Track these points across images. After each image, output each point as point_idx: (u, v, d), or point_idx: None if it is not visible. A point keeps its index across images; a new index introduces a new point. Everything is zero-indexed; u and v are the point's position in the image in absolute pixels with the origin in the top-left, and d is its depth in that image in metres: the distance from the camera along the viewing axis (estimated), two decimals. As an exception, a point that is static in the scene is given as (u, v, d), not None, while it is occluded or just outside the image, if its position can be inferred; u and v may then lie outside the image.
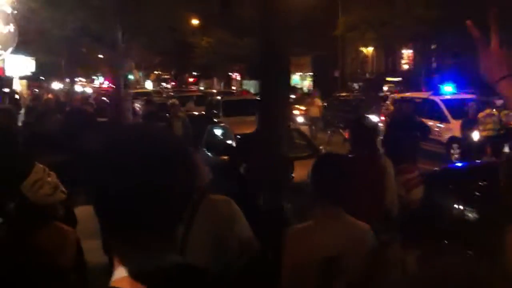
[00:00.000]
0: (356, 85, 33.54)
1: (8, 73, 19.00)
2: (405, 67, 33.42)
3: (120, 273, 1.10)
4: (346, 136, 17.04)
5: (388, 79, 30.03)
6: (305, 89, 35.58)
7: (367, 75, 35.73)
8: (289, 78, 5.05)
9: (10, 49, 8.77)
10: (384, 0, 25.12)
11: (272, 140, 4.70)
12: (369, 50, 35.76)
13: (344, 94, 26.12)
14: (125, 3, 12.87)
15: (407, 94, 17.66)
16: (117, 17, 12.91)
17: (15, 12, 8.83)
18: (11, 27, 8.41)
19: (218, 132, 12.11)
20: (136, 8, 13.50)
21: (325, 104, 21.89)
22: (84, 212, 3.11)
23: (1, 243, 2.82)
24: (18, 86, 27.41)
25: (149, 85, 53.17)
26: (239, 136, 9.77)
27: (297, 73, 39.28)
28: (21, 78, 27.27)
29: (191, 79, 56.94)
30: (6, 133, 7.03)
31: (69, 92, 29.34)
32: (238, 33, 32.23)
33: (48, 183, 2.88)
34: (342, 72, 35.34)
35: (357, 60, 37.84)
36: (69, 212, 3.31)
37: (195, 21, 36.82)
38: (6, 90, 15.27)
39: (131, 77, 26.61)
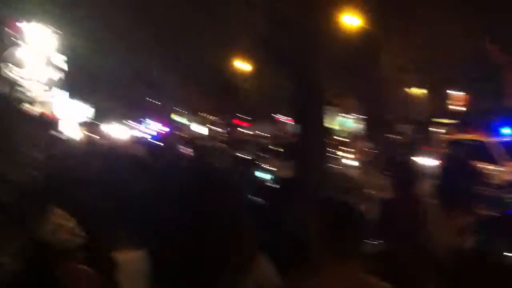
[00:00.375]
0: (405, 127, 32.91)
1: (63, 118, 19.62)
2: (457, 108, 32.65)
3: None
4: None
5: (439, 120, 29.38)
6: (357, 132, 35.18)
7: (417, 117, 35.08)
8: (322, 120, 4.95)
9: (57, 94, 9.00)
10: (433, 41, 24.83)
11: (308, 183, 4.58)
12: (418, 91, 35.18)
13: (393, 136, 25.70)
14: (176, 51, 13.18)
15: (461, 136, 17.14)
16: (168, 62, 13.22)
17: (65, 58, 9.11)
18: (60, 72, 8.65)
19: (264, 175, 12.09)
20: (187, 53, 13.81)
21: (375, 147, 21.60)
22: (125, 256, 3.11)
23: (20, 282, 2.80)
24: (73, 129, 28.35)
25: (202, 130, 53.90)
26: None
27: (348, 116, 39.00)
28: (80, 123, 28.29)
29: (244, 124, 57.30)
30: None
31: (123, 136, 30.11)
32: (285, 76, 32.34)
33: (66, 228, 2.88)
34: (390, 115, 34.80)
35: (406, 101, 37.24)
36: (106, 255, 3.28)
37: (238, 63, 37.26)
38: (54, 132, 15.75)
39: (183, 120, 27.12)
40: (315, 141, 4.56)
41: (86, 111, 25.56)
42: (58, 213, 2.88)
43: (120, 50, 13.25)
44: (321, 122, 4.89)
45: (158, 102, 19.84)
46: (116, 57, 13.20)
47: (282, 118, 49.15)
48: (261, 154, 17.71)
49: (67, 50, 9.61)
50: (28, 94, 7.50)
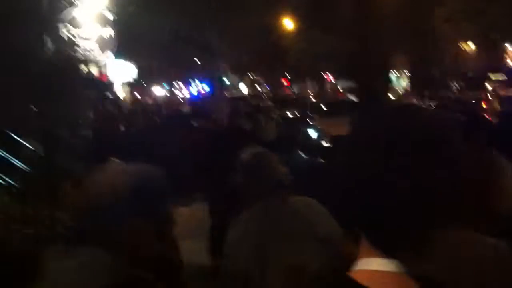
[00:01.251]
0: (456, 84, 31.98)
1: (111, 78, 19.86)
2: (510, 63, 31.45)
3: (363, 265, 1.02)
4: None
5: (492, 76, 28.35)
6: (402, 90, 34.47)
7: (468, 73, 34.00)
8: (387, 77, 4.76)
9: (109, 53, 9.06)
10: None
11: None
12: (469, 46, 33.99)
13: (444, 93, 25.03)
14: (220, 6, 13.03)
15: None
16: (212, 19, 13.11)
17: (116, 17, 9.13)
18: (111, 31, 8.69)
19: (313, 134, 11.97)
20: (231, 10, 13.63)
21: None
22: (183, 212, 3.11)
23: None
24: (120, 91, 28.68)
25: (243, 88, 53.84)
26: (334, 138, 9.54)
27: (392, 73, 38.11)
28: (124, 83, 28.52)
29: (284, 82, 57.01)
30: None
31: (168, 96, 30.31)
32: (333, 33, 31.74)
33: None
34: (440, 71, 33.85)
35: (457, 57, 36.08)
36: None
37: (287, 22, 36.75)
38: (108, 95, 15.95)
39: (225, 80, 27.05)
40: (378, 97, 4.40)
41: (132, 72, 25.78)
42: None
43: (168, 8, 13.17)
44: (384, 77, 4.70)
45: (204, 62, 19.82)
46: (163, 16, 13.14)
47: (329, 76, 48.63)
48: (310, 113, 17.52)
49: (116, 8, 9.60)
50: (84, 54, 7.59)
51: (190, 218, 5.98)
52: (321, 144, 10.51)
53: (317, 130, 12.00)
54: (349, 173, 1.04)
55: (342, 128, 8.49)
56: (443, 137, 0.98)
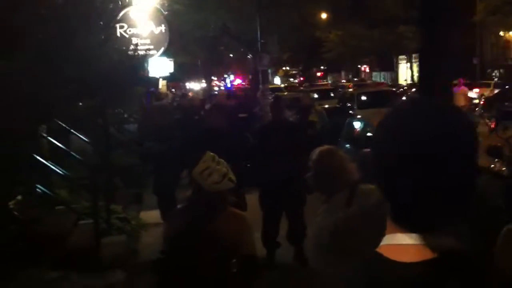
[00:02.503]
0: (496, 72, 31.38)
1: (151, 74, 20.17)
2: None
3: (388, 240, 1.14)
4: (492, 126, 16.10)
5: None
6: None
7: (510, 61, 33.29)
8: (451, 64, 4.77)
9: (162, 49, 9.29)
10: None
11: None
12: (510, 35, 33.29)
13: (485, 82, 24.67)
14: (262, 2, 13.15)
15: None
16: (255, 15, 13.23)
17: (166, 13, 9.34)
18: (163, 28, 8.92)
19: (356, 125, 11.92)
20: (272, 6, 13.73)
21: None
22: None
23: (182, 229, 2.97)
24: (160, 86, 29.07)
25: (277, 81, 53.94)
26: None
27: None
28: (162, 78, 28.86)
29: (318, 74, 56.87)
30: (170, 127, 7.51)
31: (207, 90, 30.58)
32: (368, 25, 31.58)
33: (217, 171, 2.96)
34: (481, 59, 33.27)
35: (498, 46, 35.39)
36: (240, 198, 3.43)
37: (324, 16, 36.68)
38: (153, 89, 16.27)
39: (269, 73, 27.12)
40: (442, 83, 4.44)
41: (169, 67, 26.01)
42: (212, 156, 3.01)
43: (207, 4, 13.37)
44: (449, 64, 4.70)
45: (241, 57, 20.18)
46: (202, 12, 13.34)
47: (364, 67, 48.31)
48: (348, 104, 17.50)
49: (164, 6, 9.77)
50: (141, 52, 7.80)
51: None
52: (366, 134, 10.51)
53: (360, 120, 11.98)
54: (375, 162, 1.15)
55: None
56: (452, 134, 1.08)
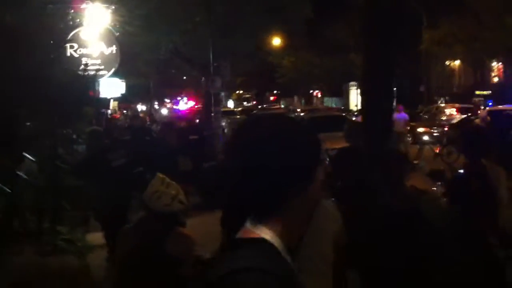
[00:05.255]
0: (442, 100, 32.55)
1: (102, 94, 19.94)
2: (495, 80, 32.07)
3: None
4: (437, 151, 16.68)
5: (477, 92, 28.93)
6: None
7: (455, 89, 34.61)
8: (393, 94, 4.95)
9: (113, 70, 9.26)
10: (471, 13, 24.38)
11: (379, 153, 4.60)
12: (455, 64, 34.67)
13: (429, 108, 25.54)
14: (216, 26, 13.27)
15: (502, 107, 16.90)
16: (208, 40, 13.33)
17: (117, 34, 9.33)
18: (114, 48, 8.90)
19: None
20: (228, 31, 13.86)
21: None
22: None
23: (135, 252, 2.97)
24: (111, 107, 28.74)
25: (230, 104, 54.16)
26: (332, 152, 9.70)
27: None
28: (113, 99, 28.55)
29: (271, 98, 57.47)
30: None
31: (158, 112, 30.37)
32: (321, 53, 32.31)
33: (166, 194, 3.00)
34: (427, 87, 34.44)
35: (443, 74, 36.77)
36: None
37: (277, 41, 37.32)
38: (103, 110, 16.10)
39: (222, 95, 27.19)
40: (384, 108, 4.59)
41: (121, 88, 25.76)
42: (162, 179, 3.05)
43: (159, 27, 13.39)
44: (390, 88, 4.86)
45: (194, 79, 20.19)
46: (153, 34, 13.35)
47: (316, 93, 49.14)
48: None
49: (116, 27, 9.74)
50: (91, 73, 7.76)
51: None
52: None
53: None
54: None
55: (335, 142, 8.57)
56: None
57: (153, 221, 2.99)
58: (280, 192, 1.32)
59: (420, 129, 20.18)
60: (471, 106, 23.25)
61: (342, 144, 7.20)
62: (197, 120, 18.52)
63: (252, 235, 1.31)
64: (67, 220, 8.05)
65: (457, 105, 25.50)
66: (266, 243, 1.31)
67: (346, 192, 5.79)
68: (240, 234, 1.33)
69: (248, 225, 1.34)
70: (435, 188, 6.80)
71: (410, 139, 19.71)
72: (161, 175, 3.09)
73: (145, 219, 3.05)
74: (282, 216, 1.33)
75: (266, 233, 1.32)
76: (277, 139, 1.31)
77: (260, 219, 1.33)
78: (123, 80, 25.88)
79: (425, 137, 18.58)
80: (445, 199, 4.86)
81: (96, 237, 8.00)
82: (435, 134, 19.05)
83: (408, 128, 19.72)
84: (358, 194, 4.35)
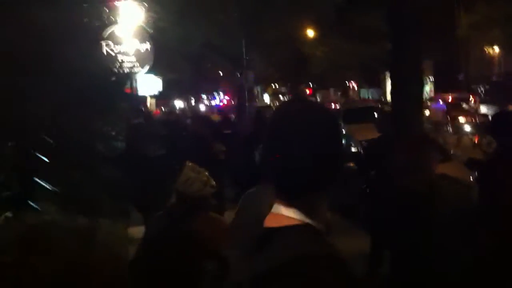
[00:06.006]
0: (482, 88, 31.80)
1: (140, 92, 20.30)
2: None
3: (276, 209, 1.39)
4: (475, 141, 16.38)
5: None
6: (426, 95, 34.36)
7: (494, 77, 33.77)
8: (422, 80, 4.93)
9: (147, 67, 9.43)
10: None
11: (405, 138, 4.61)
12: (495, 50, 33.81)
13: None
14: (248, 17, 13.32)
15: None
16: (241, 31, 13.41)
17: (151, 31, 9.52)
18: (148, 45, 9.07)
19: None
20: (258, 21, 13.91)
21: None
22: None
23: (163, 232, 3.11)
24: (148, 104, 29.19)
25: (266, 99, 54.21)
26: (365, 142, 9.70)
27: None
28: (151, 96, 28.97)
29: (307, 91, 57.25)
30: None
31: (195, 108, 30.65)
32: (355, 41, 31.94)
33: (198, 180, 3.14)
34: (466, 75, 33.72)
35: (482, 61, 35.90)
36: (221, 202, 3.66)
37: (310, 32, 37.07)
38: (141, 107, 16.34)
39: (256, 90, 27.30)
40: (414, 100, 4.59)
41: (158, 85, 26.10)
42: (192, 166, 3.18)
43: (191, 20, 13.53)
44: (420, 79, 4.85)
45: (230, 74, 20.34)
46: (194, 29, 13.49)
47: (352, 84, 48.72)
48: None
49: (149, 23, 9.92)
50: (125, 70, 7.96)
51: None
52: (350, 149, 10.68)
53: (344, 136, 12.17)
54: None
55: (369, 132, 8.61)
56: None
57: (184, 206, 3.11)
58: (320, 178, 1.36)
59: (461, 119, 19.86)
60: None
61: (375, 134, 7.21)
62: (232, 115, 18.69)
63: (291, 221, 1.34)
64: (107, 213, 8.26)
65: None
66: (310, 227, 1.34)
67: (379, 180, 5.80)
68: (274, 221, 1.36)
69: (280, 209, 1.37)
70: (471, 178, 6.74)
71: (450, 128, 19.41)
72: (190, 163, 3.21)
73: (177, 205, 3.18)
74: (315, 202, 1.38)
75: (303, 217, 1.35)
76: (323, 127, 1.38)
77: (294, 202, 1.36)
78: (159, 76, 26.29)
79: (466, 127, 18.27)
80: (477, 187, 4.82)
81: (138, 231, 8.22)
82: (475, 124, 18.73)
83: (449, 117, 19.45)
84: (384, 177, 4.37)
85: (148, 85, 23.99)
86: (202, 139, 6.43)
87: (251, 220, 3.12)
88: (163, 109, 34.32)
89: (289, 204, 1.37)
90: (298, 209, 1.36)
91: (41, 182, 6.61)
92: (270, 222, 1.38)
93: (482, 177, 4.22)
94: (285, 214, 1.36)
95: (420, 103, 4.99)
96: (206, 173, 3.19)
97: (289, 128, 1.38)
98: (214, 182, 3.20)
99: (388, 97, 41.97)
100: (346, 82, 48.32)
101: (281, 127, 1.40)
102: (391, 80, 5.33)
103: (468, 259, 3.02)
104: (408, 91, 4.66)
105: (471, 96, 26.96)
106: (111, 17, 8.34)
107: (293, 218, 1.35)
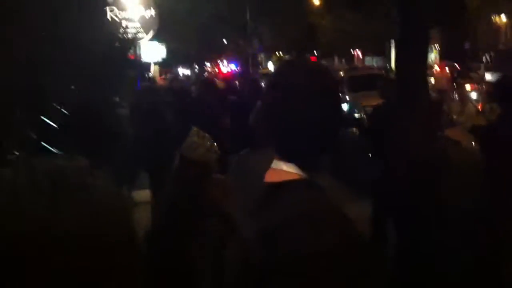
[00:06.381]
0: (488, 57, 31.57)
1: (143, 59, 20.26)
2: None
3: (276, 165, 1.42)
4: (480, 108, 16.35)
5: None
6: (432, 62, 34.14)
7: (501, 46, 33.45)
8: (427, 48, 4.94)
9: (151, 33, 9.42)
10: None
11: (412, 112, 4.62)
12: (502, 20, 33.43)
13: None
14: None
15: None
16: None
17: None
18: (152, 12, 9.05)
19: (344, 106, 12.13)
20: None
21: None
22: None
23: (169, 197, 3.22)
24: (152, 71, 29.14)
25: (271, 66, 53.95)
26: (369, 108, 9.73)
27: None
28: (154, 63, 28.89)
29: (312, 59, 56.84)
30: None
31: (200, 75, 30.57)
32: (361, 9, 31.63)
33: (202, 145, 3.23)
34: (472, 44, 33.44)
35: (489, 30, 35.54)
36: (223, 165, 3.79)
37: (316, 0, 36.68)
38: (146, 74, 16.39)
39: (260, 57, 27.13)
40: (418, 67, 4.60)
41: (161, 52, 25.91)
42: (197, 131, 3.26)
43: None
44: (425, 47, 4.86)
45: (236, 42, 20.15)
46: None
47: (357, 52, 48.37)
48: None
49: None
50: (130, 36, 7.92)
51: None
52: (354, 115, 10.75)
53: (348, 102, 12.23)
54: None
55: (373, 99, 8.65)
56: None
57: (187, 169, 3.21)
58: (320, 139, 1.40)
59: (467, 86, 19.73)
60: None
61: (379, 101, 7.23)
62: (236, 82, 18.65)
63: (292, 176, 1.36)
64: (113, 176, 8.35)
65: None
66: (312, 182, 1.38)
67: (383, 146, 5.86)
68: (275, 176, 1.38)
69: (280, 165, 1.39)
70: (473, 143, 6.81)
71: (456, 96, 19.36)
72: (196, 128, 3.30)
73: (180, 168, 3.27)
74: (315, 163, 1.42)
75: (304, 174, 1.38)
76: (325, 89, 1.41)
77: (294, 162, 1.38)
78: (163, 44, 26.16)
79: (472, 94, 18.21)
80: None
81: (141, 194, 8.35)
82: (480, 92, 18.63)
83: (455, 85, 19.35)
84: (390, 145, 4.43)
85: (152, 52, 23.89)
86: (208, 105, 6.48)
87: (250, 180, 3.25)
88: (166, 76, 34.23)
89: (289, 161, 1.39)
90: (299, 166, 1.38)
91: (49, 147, 6.73)
92: (270, 177, 1.40)
93: (484, 140, 4.29)
94: (285, 169, 1.38)
95: (425, 70, 5.01)
96: (210, 139, 3.26)
97: (291, 88, 1.39)
98: (217, 148, 3.27)
99: (393, 65, 41.71)
100: (351, 50, 47.92)
101: (283, 87, 1.41)
102: (396, 47, 5.35)
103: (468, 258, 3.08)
104: (413, 59, 4.68)
105: (477, 63, 26.80)
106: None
107: (294, 173, 1.37)
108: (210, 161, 3.23)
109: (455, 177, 3.33)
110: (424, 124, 4.07)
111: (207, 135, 3.26)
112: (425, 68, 5.22)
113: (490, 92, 16.65)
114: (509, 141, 3.92)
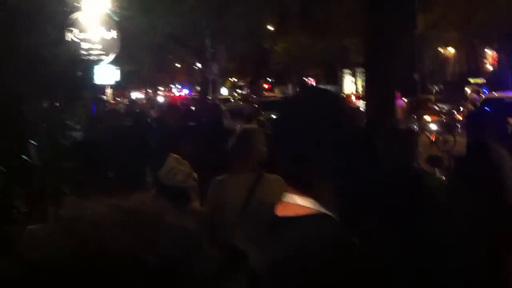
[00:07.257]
0: (436, 87, 32.65)
1: (96, 81, 19.83)
2: (489, 68, 32.18)
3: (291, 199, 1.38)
4: (433, 138, 16.76)
5: (472, 80, 29.02)
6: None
7: (448, 77, 34.70)
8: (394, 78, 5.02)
9: (112, 56, 9.21)
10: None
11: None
12: (449, 51, 34.69)
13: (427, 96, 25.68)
14: (212, 9, 13.25)
15: (497, 95, 16.93)
16: (204, 23, 13.33)
17: (118, 19, 9.29)
18: (114, 34, 8.85)
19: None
20: (221, 12, 13.87)
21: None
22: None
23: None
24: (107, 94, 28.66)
25: (224, 91, 54.02)
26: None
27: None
28: (108, 86, 28.44)
29: (265, 86, 57.33)
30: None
31: (153, 99, 30.31)
32: (314, 36, 32.13)
33: (181, 171, 3.11)
34: (421, 74, 34.47)
35: (437, 61, 36.80)
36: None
37: (270, 27, 37.10)
38: (101, 96, 16.04)
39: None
40: (386, 93, 4.64)
41: (115, 75, 25.49)
42: (175, 158, 3.13)
43: (155, 9, 13.30)
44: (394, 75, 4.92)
45: (188, 66, 20.03)
46: (149, 17, 13.25)
47: (310, 80, 49.17)
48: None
49: (115, 11, 9.62)
50: (89, 57, 7.69)
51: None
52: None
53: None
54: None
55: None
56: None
57: (165, 197, 3.06)
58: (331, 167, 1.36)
59: (426, 117, 20.20)
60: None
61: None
62: (193, 108, 18.56)
63: (308, 211, 1.34)
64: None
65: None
66: (328, 217, 1.35)
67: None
68: (290, 211, 1.35)
69: (295, 199, 1.36)
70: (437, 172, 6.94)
71: (416, 126, 19.79)
72: (174, 155, 3.18)
73: (158, 193, 3.14)
74: (325, 193, 1.39)
75: (318, 207, 1.35)
76: (336, 114, 1.41)
77: (307, 192, 1.35)
78: (118, 68, 25.78)
79: (432, 125, 18.68)
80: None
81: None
82: (440, 122, 19.18)
83: (414, 116, 19.87)
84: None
85: (105, 74, 23.45)
86: (171, 130, 6.35)
87: (253, 207, 3.17)
88: (120, 100, 33.80)
89: (303, 194, 1.37)
90: (312, 199, 1.36)
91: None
92: (285, 210, 1.37)
93: (454, 171, 4.32)
94: (300, 203, 1.36)
95: (392, 101, 5.07)
96: (189, 165, 3.15)
97: (303, 118, 1.38)
98: (196, 176, 3.16)
99: (345, 92, 42.49)
100: (304, 78, 48.69)
101: (295, 117, 1.40)
102: (365, 77, 5.41)
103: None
104: (379, 90, 4.72)
105: (431, 95, 27.69)
106: (75, 3, 8.10)
107: (309, 208, 1.35)
108: (188, 188, 3.12)
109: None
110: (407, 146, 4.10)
111: (185, 161, 3.15)
112: (393, 98, 5.28)
113: (449, 124, 17.22)
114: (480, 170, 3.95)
